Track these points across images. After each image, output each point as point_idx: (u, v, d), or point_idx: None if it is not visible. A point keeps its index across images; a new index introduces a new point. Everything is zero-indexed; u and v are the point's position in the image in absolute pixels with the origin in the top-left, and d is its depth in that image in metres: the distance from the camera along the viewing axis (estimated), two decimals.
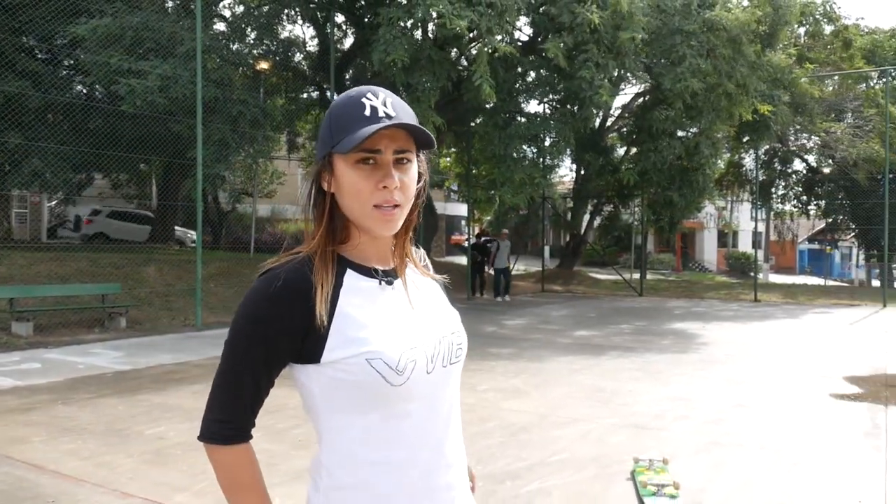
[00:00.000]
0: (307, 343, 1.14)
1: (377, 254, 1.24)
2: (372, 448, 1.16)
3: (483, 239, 19.97)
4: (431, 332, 1.23)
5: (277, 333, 1.14)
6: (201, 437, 1.19)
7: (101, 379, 7.22)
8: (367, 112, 1.14)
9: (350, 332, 1.14)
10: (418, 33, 12.87)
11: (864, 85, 23.75)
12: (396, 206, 1.16)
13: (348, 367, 1.13)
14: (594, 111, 13.93)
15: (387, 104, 1.16)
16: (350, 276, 1.20)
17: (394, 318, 1.20)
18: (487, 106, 14.91)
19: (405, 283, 1.26)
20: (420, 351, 1.18)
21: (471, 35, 12.03)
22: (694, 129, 16.52)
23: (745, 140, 18.75)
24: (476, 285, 19.05)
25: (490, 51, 12.04)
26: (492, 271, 18.56)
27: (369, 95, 1.16)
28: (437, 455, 1.22)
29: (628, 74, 16.41)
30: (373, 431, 1.16)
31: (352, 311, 1.16)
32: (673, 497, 3.87)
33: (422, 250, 1.38)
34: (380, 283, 1.22)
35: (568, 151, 18.44)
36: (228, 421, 1.17)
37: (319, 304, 1.14)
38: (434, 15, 11.43)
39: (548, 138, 15.93)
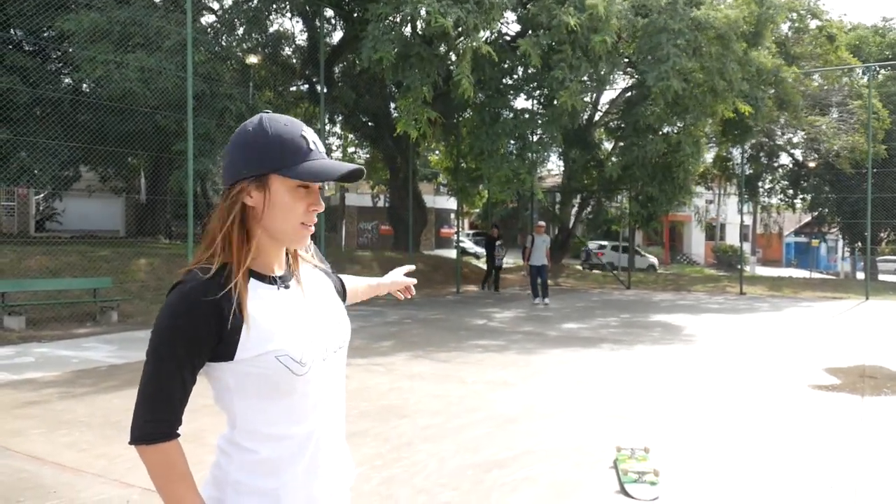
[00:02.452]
0: (222, 344, 1.30)
1: (276, 261, 1.42)
2: (279, 425, 1.36)
3: (477, 235, 20.34)
4: (324, 325, 1.45)
5: (197, 336, 1.29)
6: (136, 441, 1.32)
7: (96, 372, 7.31)
8: (311, 146, 1.34)
9: (260, 333, 1.32)
10: (407, 29, 12.87)
11: (848, 78, 23.95)
12: (314, 224, 1.39)
13: (259, 363, 1.32)
14: (569, 109, 13.91)
15: (316, 141, 1.36)
16: (254, 284, 1.36)
17: (294, 318, 1.38)
18: (478, 101, 14.99)
19: (299, 283, 1.45)
20: (317, 344, 1.40)
21: (457, 31, 12.06)
22: (680, 124, 16.61)
23: (729, 136, 18.92)
24: (488, 280, 19.13)
25: (473, 47, 12.08)
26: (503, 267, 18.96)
27: (305, 132, 1.34)
28: (330, 424, 1.45)
29: (617, 71, 16.52)
30: (279, 411, 1.36)
31: (259, 315, 1.33)
32: (653, 484, 4.03)
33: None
34: (278, 288, 1.40)
35: (554, 147, 18.58)
36: (162, 420, 1.31)
37: (231, 309, 1.30)
38: (421, 13, 11.46)
39: (535, 135, 16.03)
